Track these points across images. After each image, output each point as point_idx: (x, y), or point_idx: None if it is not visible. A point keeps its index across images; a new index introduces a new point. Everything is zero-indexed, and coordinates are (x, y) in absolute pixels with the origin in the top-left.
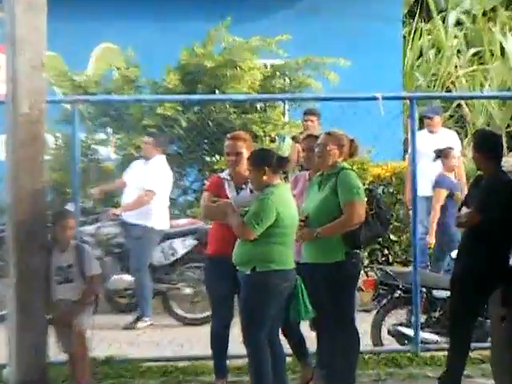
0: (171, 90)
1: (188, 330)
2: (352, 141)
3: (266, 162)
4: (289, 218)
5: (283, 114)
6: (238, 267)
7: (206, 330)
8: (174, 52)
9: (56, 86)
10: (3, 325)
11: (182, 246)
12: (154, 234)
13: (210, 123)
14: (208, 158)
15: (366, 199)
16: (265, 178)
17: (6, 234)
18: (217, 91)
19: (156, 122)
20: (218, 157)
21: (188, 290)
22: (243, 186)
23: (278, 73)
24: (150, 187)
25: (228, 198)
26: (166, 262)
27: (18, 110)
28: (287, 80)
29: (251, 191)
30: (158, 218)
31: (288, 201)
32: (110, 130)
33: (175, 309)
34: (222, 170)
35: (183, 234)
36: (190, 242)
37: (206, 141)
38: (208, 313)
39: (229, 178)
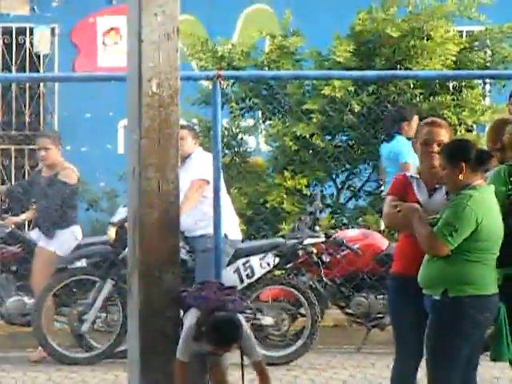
0: (341, 64)
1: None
2: None
3: (464, 156)
4: (492, 228)
5: (483, 97)
6: (424, 290)
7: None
8: (344, 16)
9: (193, 58)
10: (123, 363)
11: (260, 265)
12: (226, 244)
13: (390, 107)
14: None
15: None
16: (461, 177)
17: (127, 250)
18: (398, 67)
19: (320, 105)
20: None
21: (269, 320)
22: (437, 187)
23: (476, 43)
24: (198, 177)
25: (417, 202)
26: (241, 284)
27: (143, 88)
28: (488, 53)
29: (447, 194)
30: (227, 224)
31: (492, 207)
32: (260, 114)
33: None
34: None
35: (262, 250)
36: (271, 260)
37: (383, 129)
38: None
39: (418, 176)
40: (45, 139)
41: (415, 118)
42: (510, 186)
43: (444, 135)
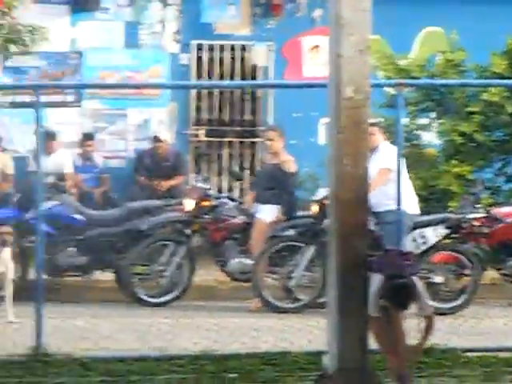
0: (498, 74)
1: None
2: None
3: None
4: None
5: None
6: None
7: None
8: (501, 36)
9: (379, 69)
10: (323, 311)
11: (433, 235)
12: (406, 218)
13: None
14: None
15: None
16: None
17: (328, 220)
18: None
19: (481, 107)
20: None
21: (439, 279)
22: None
23: None
24: (383, 166)
25: None
26: (417, 250)
27: (341, 94)
28: None
29: None
30: (407, 201)
31: None
32: (433, 114)
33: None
34: None
35: (435, 223)
36: (442, 230)
37: None
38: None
39: None
40: (271, 132)
41: None
42: None
43: None
